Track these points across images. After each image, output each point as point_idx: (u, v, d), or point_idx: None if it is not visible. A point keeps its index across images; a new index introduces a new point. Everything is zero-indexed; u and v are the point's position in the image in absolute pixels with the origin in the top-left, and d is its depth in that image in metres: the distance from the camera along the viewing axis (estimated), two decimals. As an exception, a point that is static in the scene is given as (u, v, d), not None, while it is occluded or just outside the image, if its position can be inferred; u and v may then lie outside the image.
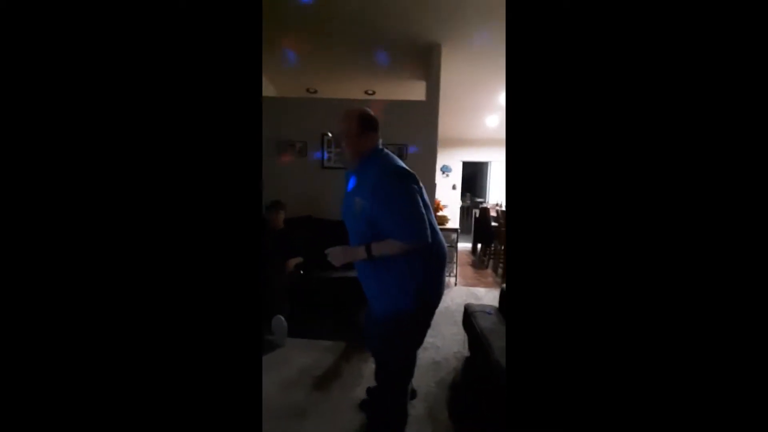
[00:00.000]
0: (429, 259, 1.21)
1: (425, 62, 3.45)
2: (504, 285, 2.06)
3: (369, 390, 1.68)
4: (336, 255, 1.23)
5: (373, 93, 4.33)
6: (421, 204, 1.14)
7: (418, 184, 1.18)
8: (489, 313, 2.02)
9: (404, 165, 1.18)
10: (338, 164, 1.26)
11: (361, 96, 4.34)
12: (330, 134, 1.23)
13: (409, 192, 1.12)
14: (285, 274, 2.51)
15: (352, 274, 2.58)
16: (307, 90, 4.31)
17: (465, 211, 7.40)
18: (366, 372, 1.96)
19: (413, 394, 1.56)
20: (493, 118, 5.37)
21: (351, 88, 4.24)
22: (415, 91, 4.15)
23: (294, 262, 2.59)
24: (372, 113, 1.20)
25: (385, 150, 1.23)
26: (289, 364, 2.02)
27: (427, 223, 1.14)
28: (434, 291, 1.26)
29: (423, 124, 3.27)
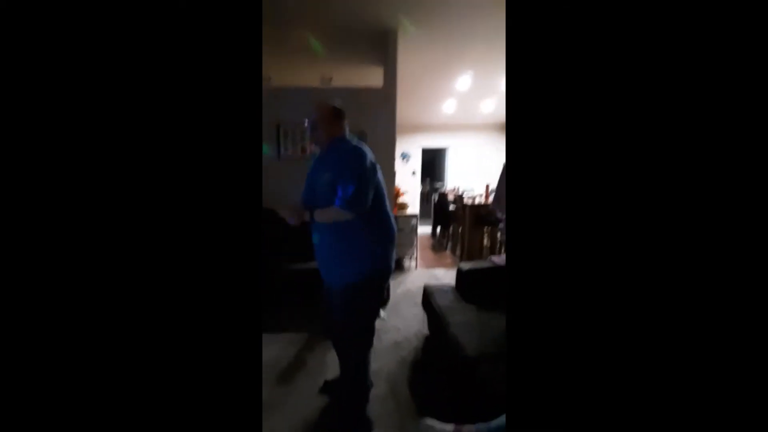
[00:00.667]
0: (377, 235, 1.39)
1: (382, 48, 3.44)
2: (460, 264, 2.17)
3: (326, 381, 1.75)
4: (286, 210, 1.37)
5: (330, 79, 4.26)
6: (369, 180, 1.31)
7: (373, 164, 1.35)
8: (446, 291, 2.13)
9: (363, 148, 1.35)
10: (315, 145, 1.49)
11: (318, 83, 4.25)
12: (306, 121, 1.44)
13: (360, 167, 1.30)
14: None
15: (310, 265, 2.60)
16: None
17: (425, 197, 7.56)
18: (330, 360, 2.01)
19: (369, 384, 1.62)
20: (450, 104, 5.48)
21: (307, 75, 4.14)
22: (372, 76, 4.13)
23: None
24: (340, 107, 1.43)
25: (350, 137, 1.43)
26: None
27: (368, 195, 1.31)
28: (383, 263, 1.41)
29: (381, 111, 3.28)
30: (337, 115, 1.40)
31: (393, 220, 1.46)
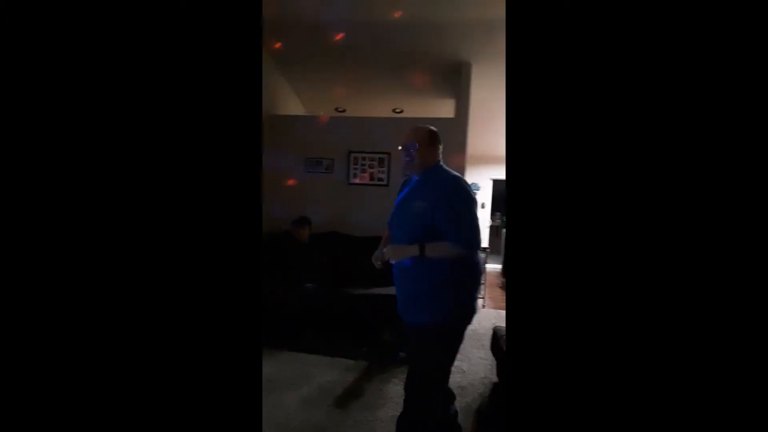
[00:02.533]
0: (465, 273, 1.26)
1: (454, 80, 3.45)
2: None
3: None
4: (391, 251, 1.30)
5: (401, 111, 4.37)
6: (474, 213, 1.25)
7: (475, 200, 1.29)
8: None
9: (461, 177, 1.30)
10: (406, 172, 1.40)
11: (389, 114, 4.39)
12: (400, 147, 1.36)
13: (472, 204, 1.26)
14: (306, 289, 2.51)
15: (376, 291, 2.54)
16: (336, 109, 4.42)
17: (494, 231, 7.19)
18: (389, 393, 1.89)
19: (452, 397, 1.52)
20: (524, 136, 5.26)
21: (378, 107, 4.30)
22: (442, 109, 4.15)
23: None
24: (436, 131, 1.37)
25: (445, 165, 1.36)
26: (310, 381, 1.98)
27: (480, 233, 1.24)
28: (468, 305, 1.30)
29: (452, 141, 3.23)
30: (433, 140, 1.33)
31: (480, 259, 1.35)
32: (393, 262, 1.30)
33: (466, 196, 1.24)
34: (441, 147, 1.36)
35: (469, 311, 1.31)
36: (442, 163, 1.36)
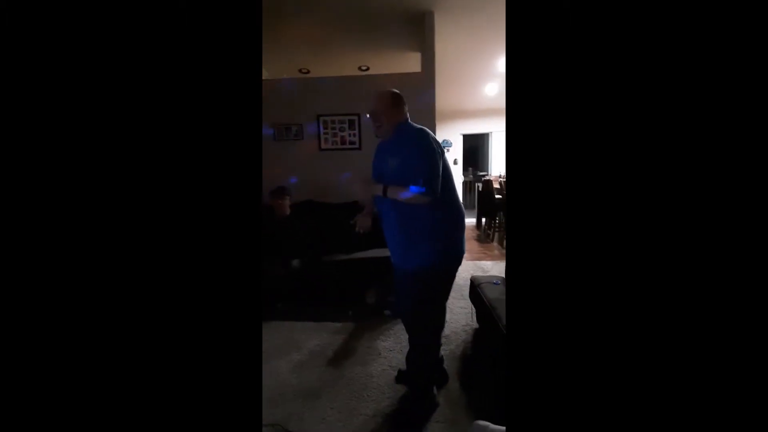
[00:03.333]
0: (448, 218, 1.38)
1: (418, 32, 3.32)
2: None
3: (401, 371, 1.70)
4: (360, 188, 1.48)
5: (367, 68, 4.20)
6: (438, 161, 1.31)
7: (440, 147, 1.35)
8: (496, 284, 2.01)
9: (429, 132, 1.36)
10: (378, 136, 1.47)
11: (355, 72, 4.21)
12: (367, 115, 1.46)
13: (428, 148, 1.30)
14: (292, 266, 2.51)
15: (357, 255, 2.58)
16: (300, 70, 4.19)
17: (468, 186, 7.32)
18: (377, 349, 1.98)
19: (441, 360, 1.69)
20: (492, 86, 5.22)
21: (344, 65, 4.11)
22: (409, 63, 4.01)
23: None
24: (399, 92, 1.44)
25: (412, 123, 1.43)
26: (300, 347, 2.04)
27: (440, 178, 1.30)
28: (456, 246, 1.41)
29: (420, 96, 3.17)
30: (397, 101, 1.40)
31: (461, 206, 1.45)
32: (364, 227, 1.43)
33: (425, 145, 1.30)
34: (406, 107, 1.43)
35: (457, 253, 1.42)
36: (409, 121, 1.43)
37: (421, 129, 1.36)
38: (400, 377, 1.67)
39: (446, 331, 2.15)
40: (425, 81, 3.17)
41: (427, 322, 1.45)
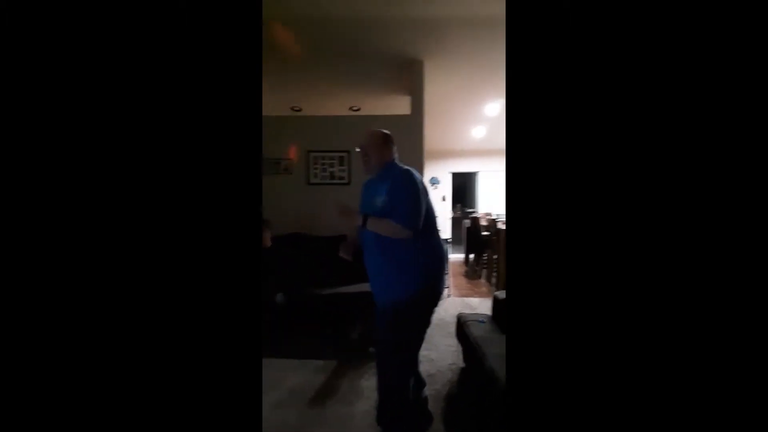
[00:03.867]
0: (429, 255, 1.40)
1: (409, 77, 3.51)
2: (496, 293, 2.05)
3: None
4: (342, 214, 1.45)
5: (358, 109, 4.38)
6: (421, 199, 1.35)
7: (424, 187, 1.41)
8: (482, 322, 2.00)
9: (415, 172, 1.41)
10: (366, 172, 1.53)
11: (346, 112, 4.38)
12: (358, 149, 1.51)
13: (412, 187, 1.35)
14: (274, 294, 2.47)
15: (342, 290, 2.55)
16: (292, 108, 4.34)
17: (456, 222, 7.41)
18: (360, 388, 1.91)
19: (422, 383, 1.64)
20: (479, 129, 5.45)
21: (336, 105, 4.28)
22: (399, 105, 4.20)
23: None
24: (388, 133, 1.51)
25: (398, 162, 1.48)
26: (280, 385, 1.96)
27: (421, 215, 1.34)
28: (435, 283, 1.42)
29: (409, 137, 3.30)
30: (386, 141, 1.48)
31: (443, 243, 1.47)
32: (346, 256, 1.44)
33: (409, 183, 1.35)
34: (395, 147, 1.50)
35: (436, 288, 1.42)
36: (396, 160, 1.49)
37: (407, 170, 1.40)
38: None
39: (432, 370, 2.11)
40: (414, 123, 3.31)
41: (399, 360, 1.39)
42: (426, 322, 1.42)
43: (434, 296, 1.42)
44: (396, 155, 1.50)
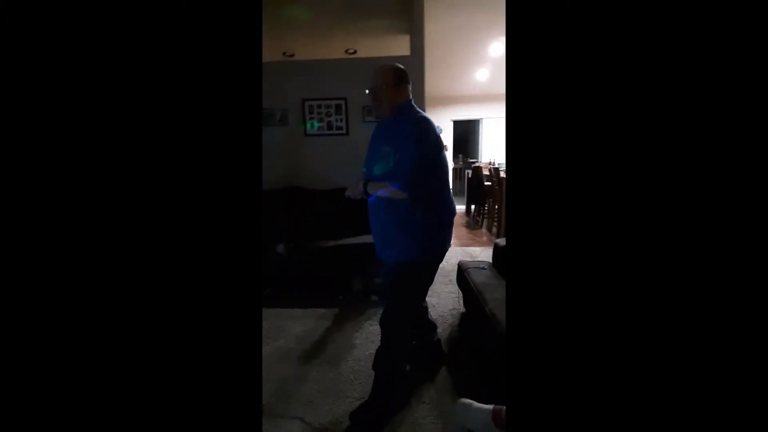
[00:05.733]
0: (438, 215, 1.32)
1: (407, 14, 3.24)
2: (497, 241, 2.04)
3: None
4: (351, 188, 1.37)
5: (354, 52, 4.11)
6: (429, 159, 1.23)
7: (438, 139, 1.26)
8: (483, 269, 2.02)
9: (428, 121, 1.25)
10: (373, 118, 1.48)
11: (342, 56, 4.12)
12: (367, 90, 1.31)
13: (422, 140, 1.20)
14: (277, 248, 2.48)
15: (344, 242, 2.56)
16: (284, 53, 4.08)
17: (457, 173, 7.31)
18: (368, 332, 1.98)
19: (433, 326, 1.72)
20: (483, 72, 5.17)
21: (330, 49, 4.01)
22: (398, 46, 3.93)
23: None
24: (403, 68, 1.30)
25: (415, 105, 1.33)
26: (285, 334, 2.03)
27: (423, 176, 1.21)
28: (439, 243, 1.35)
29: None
30: (400, 79, 1.28)
31: (452, 200, 1.39)
32: (352, 196, 1.35)
33: (422, 137, 1.21)
34: (409, 86, 1.32)
35: (439, 249, 1.37)
36: (412, 102, 1.32)
37: (423, 118, 1.25)
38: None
39: (434, 315, 2.17)
40: (414, 65, 3.10)
41: (399, 318, 1.37)
42: (430, 278, 1.41)
43: (439, 256, 1.39)
44: (411, 96, 1.32)
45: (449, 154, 6.65)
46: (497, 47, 4.15)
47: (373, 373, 1.39)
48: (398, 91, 1.28)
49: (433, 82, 5.13)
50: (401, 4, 3.12)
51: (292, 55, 4.10)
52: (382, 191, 1.25)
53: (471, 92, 6.20)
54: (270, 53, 4.05)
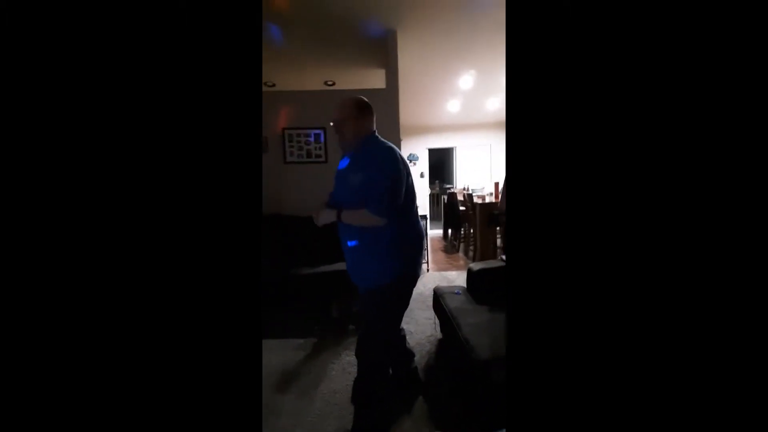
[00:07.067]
0: (407, 239, 1.34)
1: (382, 50, 3.41)
2: (470, 265, 2.10)
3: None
4: (316, 215, 1.35)
5: (333, 83, 4.25)
6: (402, 185, 1.26)
7: (406, 167, 1.30)
8: (457, 293, 2.06)
9: (395, 149, 1.29)
10: (339, 150, 1.38)
11: (321, 87, 4.25)
12: (331, 123, 1.32)
13: (393, 168, 1.23)
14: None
15: (322, 269, 2.56)
16: (265, 83, 4.17)
17: (434, 198, 7.48)
18: (344, 363, 1.96)
19: (411, 355, 1.73)
20: (454, 103, 5.42)
21: (310, 80, 4.13)
22: (374, 79, 4.10)
23: None
24: (366, 100, 1.32)
25: (379, 136, 1.35)
26: (263, 365, 1.98)
27: (398, 200, 1.25)
28: (411, 268, 1.36)
29: (384, 111, 3.24)
30: (363, 111, 1.29)
31: (420, 225, 1.41)
32: (320, 222, 1.33)
33: (392, 166, 1.23)
34: (374, 117, 1.33)
35: (412, 275, 1.38)
36: (377, 133, 1.34)
37: (389, 147, 1.28)
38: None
39: (411, 342, 2.17)
40: (390, 97, 3.25)
41: (377, 340, 1.37)
42: (405, 303, 1.42)
43: (412, 279, 1.40)
44: (375, 127, 1.35)
45: (425, 181, 6.82)
46: (467, 80, 4.40)
47: (350, 405, 1.38)
48: (361, 123, 1.29)
49: (409, 112, 5.33)
50: (376, 38, 3.29)
51: (273, 85, 4.18)
52: (358, 219, 1.26)
53: (444, 122, 6.46)
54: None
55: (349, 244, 1.34)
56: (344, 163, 1.37)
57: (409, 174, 1.32)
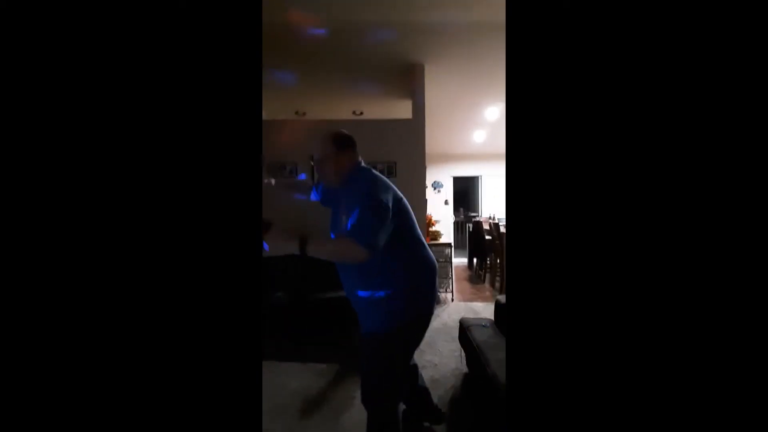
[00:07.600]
0: (417, 272, 1.20)
1: (410, 82, 3.53)
2: (498, 297, 2.04)
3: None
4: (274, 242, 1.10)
5: (361, 113, 4.40)
6: (387, 214, 1.10)
7: (395, 195, 1.17)
8: (485, 326, 1.99)
9: (383, 179, 1.20)
10: (328, 187, 1.31)
11: (350, 116, 4.40)
12: (312, 163, 1.29)
13: (375, 206, 1.09)
14: (277, 299, 2.48)
15: (342, 293, 2.55)
16: (296, 112, 4.37)
17: (458, 226, 7.40)
18: (359, 396, 1.90)
19: (426, 392, 1.57)
20: (480, 134, 5.46)
21: (339, 109, 4.30)
22: (402, 109, 4.22)
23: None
24: (346, 133, 1.23)
25: (367, 166, 1.25)
26: (282, 389, 1.96)
27: (382, 232, 1.08)
28: (426, 304, 1.23)
29: (410, 141, 3.31)
30: (341, 145, 1.19)
31: (431, 255, 1.26)
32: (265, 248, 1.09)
33: (368, 199, 1.10)
34: (355, 150, 1.23)
35: (425, 315, 1.23)
36: (363, 164, 1.23)
37: (375, 180, 1.16)
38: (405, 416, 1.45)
39: (435, 375, 2.10)
40: (416, 127, 3.33)
41: (381, 394, 1.20)
42: (415, 345, 1.26)
43: (425, 322, 1.24)
44: (360, 158, 1.23)
45: (449, 208, 6.79)
46: (493, 111, 4.44)
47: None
48: (342, 158, 1.19)
49: (434, 141, 5.39)
50: (403, 70, 3.41)
51: (303, 114, 4.38)
52: (332, 253, 1.12)
53: (469, 151, 6.50)
54: (282, 112, 4.33)
55: (349, 284, 1.22)
56: (335, 195, 1.28)
57: (400, 200, 1.19)
